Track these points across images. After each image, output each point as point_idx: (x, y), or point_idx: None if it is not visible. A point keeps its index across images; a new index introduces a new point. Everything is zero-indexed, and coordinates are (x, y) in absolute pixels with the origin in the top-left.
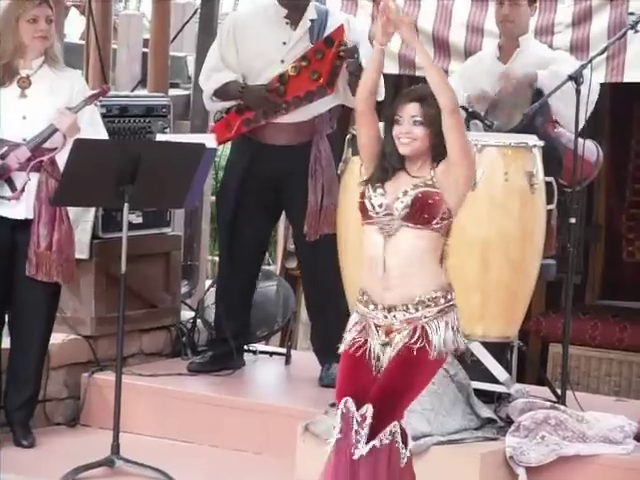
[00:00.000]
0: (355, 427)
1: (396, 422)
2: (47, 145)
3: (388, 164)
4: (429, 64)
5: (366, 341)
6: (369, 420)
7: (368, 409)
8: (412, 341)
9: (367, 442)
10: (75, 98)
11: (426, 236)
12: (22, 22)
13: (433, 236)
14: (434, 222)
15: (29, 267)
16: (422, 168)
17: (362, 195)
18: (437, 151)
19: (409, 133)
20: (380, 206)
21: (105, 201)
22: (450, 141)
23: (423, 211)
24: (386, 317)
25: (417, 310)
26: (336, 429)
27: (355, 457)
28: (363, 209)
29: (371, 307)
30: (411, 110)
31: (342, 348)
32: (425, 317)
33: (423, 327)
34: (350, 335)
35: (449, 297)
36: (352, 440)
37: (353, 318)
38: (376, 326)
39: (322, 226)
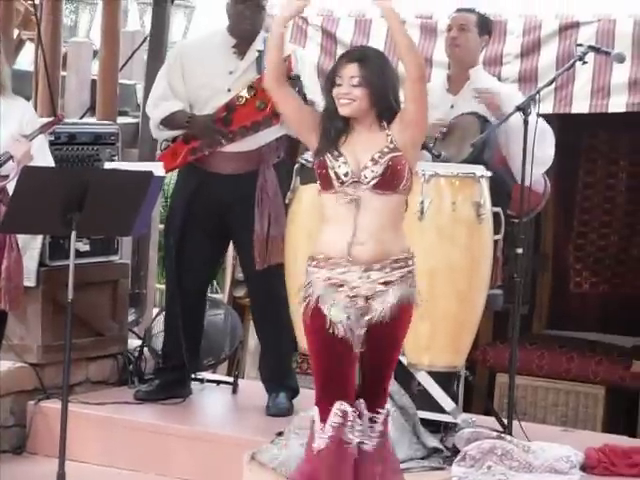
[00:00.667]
0: (357, 423)
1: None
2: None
3: (331, 125)
4: (399, 27)
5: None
6: (365, 414)
7: (362, 405)
8: (394, 317)
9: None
10: (25, 127)
11: (393, 199)
12: None
13: (399, 198)
14: (401, 186)
15: None
16: (373, 128)
17: (322, 165)
18: (379, 111)
19: (348, 94)
20: (346, 175)
21: (53, 228)
22: (412, 109)
23: (393, 178)
24: (360, 277)
25: (392, 270)
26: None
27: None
28: (326, 180)
29: (340, 270)
30: (350, 71)
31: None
32: (399, 277)
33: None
34: (335, 311)
35: (414, 259)
36: (348, 435)
37: (314, 285)
38: (350, 297)
39: (270, 255)
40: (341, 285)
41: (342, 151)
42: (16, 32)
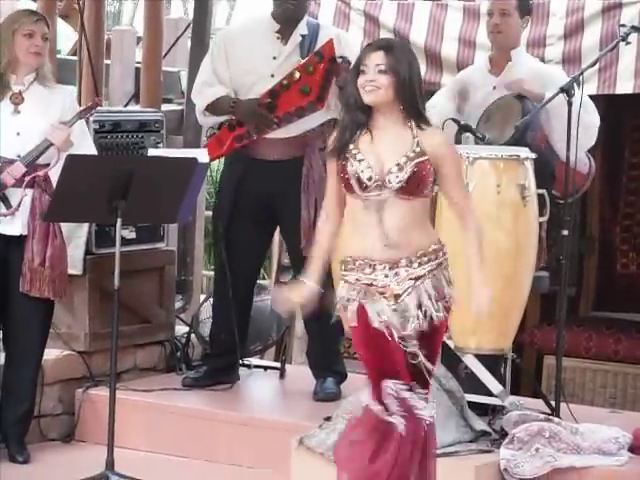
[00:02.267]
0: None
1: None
2: (41, 160)
3: (352, 119)
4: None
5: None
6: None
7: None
8: (437, 314)
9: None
10: (67, 114)
11: (417, 202)
12: (18, 36)
13: (424, 200)
14: (426, 190)
15: (23, 283)
16: (398, 124)
17: (343, 170)
18: (404, 103)
19: (373, 81)
20: (370, 179)
21: (98, 217)
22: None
23: (418, 184)
24: (387, 276)
25: (420, 264)
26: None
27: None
28: (348, 185)
29: (367, 270)
30: (376, 59)
31: (349, 317)
32: (429, 271)
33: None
34: (352, 304)
35: (445, 250)
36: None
37: (342, 290)
38: (380, 294)
39: None
40: (370, 285)
41: (365, 153)
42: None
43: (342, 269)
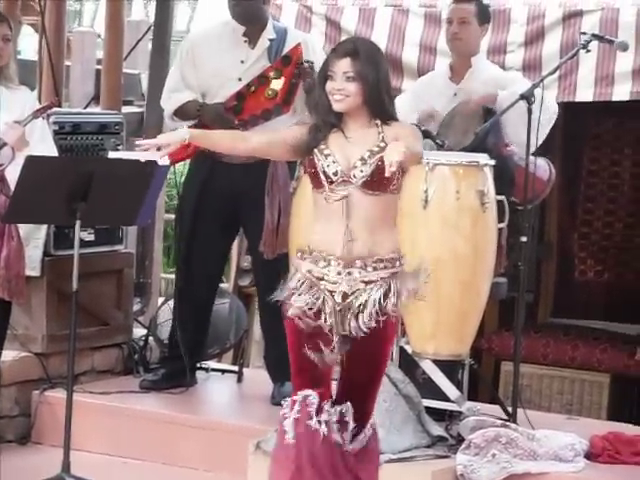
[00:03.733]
0: (335, 425)
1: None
2: None
3: (324, 122)
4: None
5: (319, 311)
6: (351, 420)
7: (348, 409)
8: (376, 321)
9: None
10: (26, 114)
11: (383, 199)
12: None
13: (390, 197)
14: (392, 186)
15: None
16: (365, 124)
17: (311, 164)
18: (373, 106)
19: (342, 90)
20: (335, 174)
21: (57, 218)
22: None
23: (383, 178)
24: (339, 274)
25: (375, 269)
26: (289, 425)
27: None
28: (316, 179)
29: (322, 264)
30: (343, 66)
31: (291, 312)
32: (381, 278)
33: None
34: (302, 298)
35: (402, 261)
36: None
37: (296, 277)
38: (330, 292)
39: (279, 244)
40: (321, 279)
41: (332, 149)
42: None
43: (297, 256)
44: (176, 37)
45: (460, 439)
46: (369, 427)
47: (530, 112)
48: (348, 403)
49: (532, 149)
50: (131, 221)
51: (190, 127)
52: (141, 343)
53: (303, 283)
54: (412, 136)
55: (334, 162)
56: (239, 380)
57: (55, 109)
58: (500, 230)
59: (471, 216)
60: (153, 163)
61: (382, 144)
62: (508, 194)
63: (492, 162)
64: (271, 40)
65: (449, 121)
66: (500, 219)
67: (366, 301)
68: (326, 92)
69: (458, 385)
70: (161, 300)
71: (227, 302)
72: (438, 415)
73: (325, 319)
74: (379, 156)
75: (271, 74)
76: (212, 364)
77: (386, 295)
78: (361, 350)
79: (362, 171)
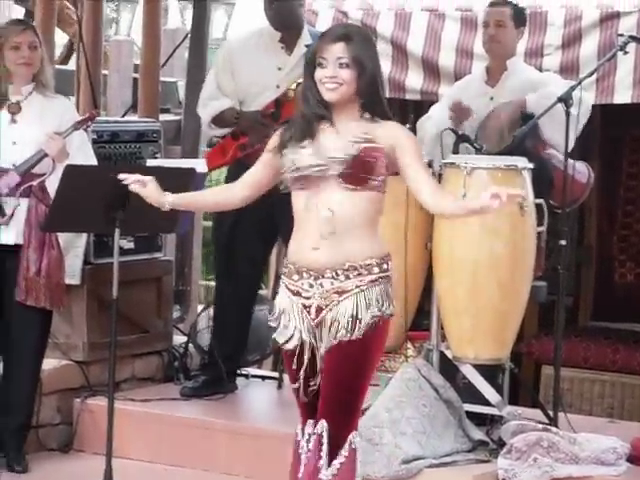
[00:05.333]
0: (309, 448)
1: (354, 432)
2: (36, 170)
3: (312, 114)
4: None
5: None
6: (325, 440)
7: (323, 427)
8: (350, 335)
9: (329, 462)
10: (64, 124)
11: (363, 197)
12: (6, 50)
13: (371, 196)
14: (371, 181)
15: (18, 292)
16: (354, 117)
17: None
18: (366, 97)
19: (335, 77)
20: (312, 166)
21: (96, 227)
22: (408, 185)
23: (361, 170)
24: (312, 286)
25: (348, 278)
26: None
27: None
28: (289, 175)
29: (295, 277)
30: (337, 51)
31: (281, 341)
32: (356, 286)
33: (356, 317)
34: (288, 329)
35: (385, 267)
36: (310, 461)
37: (278, 298)
38: (305, 307)
39: None
40: (298, 294)
41: (312, 142)
42: (65, 37)
43: (283, 269)
44: (213, 44)
45: (501, 443)
46: (346, 448)
47: (568, 115)
48: (323, 421)
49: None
50: (170, 229)
51: (227, 135)
52: (181, 350)
53: (280, 312)
54: (410, 139)
55: (310, 155)
56: (279, 386)
57: None
58: (539, 234)
59: (510, 220)
60: (191, 170)
61: (367, 136)
62: (547, 197)
63: (530, 165)
64: (307, 46)
65: (486, 125)
66: (539, 222)
67: (338, 314)
68: (315, 81)
69: (499, 389)
70: (200, 307)
71: (267, 308)
72: (479, 419)
73: (301, 340)
74: (363, 146)
75: None
76: (252, 370)
77: (366, 305)
78: (336, 363)
79: (339, 157)
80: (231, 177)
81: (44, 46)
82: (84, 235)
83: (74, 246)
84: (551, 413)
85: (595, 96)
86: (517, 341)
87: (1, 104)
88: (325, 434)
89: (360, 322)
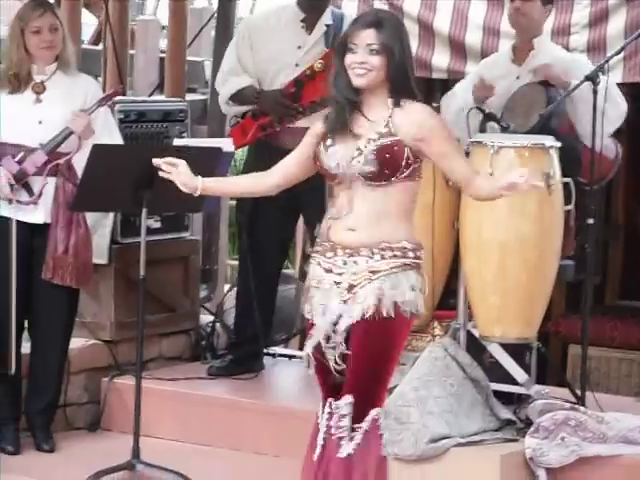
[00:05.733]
0: (331, 425)
1: (378, 409)
2: (63, 148)
3: (344, 99)
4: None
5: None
6: (348, 416)
7: (347, 402)
8: (378, 311)
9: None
10: (89, 102)
11: (391, 190)
12: (27, 34)
13: (404, 187)
14: (398, 174)
15: (45, 270)
16: (377, 106)
17: (316, 156)
18: (395, 83)
19: (365, 63)
20: (337, 167)
21: (123, 206)
22: (444, 168)
23: (383, 168)
24: (345, 263)
25: (383, 258)
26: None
27: (342, 455)
28: (322, 170)
29: (329, 254)
30: (367, 37)
31: (310, 318)
32: (390, 267)
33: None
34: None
35: (418, 254)
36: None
37: (309, 274)
38: (336, 283)
39: None
40: (329, 271)
41: (337, 139)
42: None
43: (312, 250)
44: (239, 23)
45: (529, 422)
46: (368, 421)
47: (595, 93)
48: (347, 397)
49: (598, 141)
50: (197, 208)
51: (247, 113)
52: (208, 329)
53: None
54: (436, 125)
55: (334, 154)
56: (308, 365)
57: (120, 98)
58: (567, 212)
59: (537, 199)
60: (218, 150)
61: (383, 130)
62: (575, 174)
63: (558, 144)
64: (328, 25)
65: (513, 103)
66: (567, 201)
67: (369, 292)
68: (345, 67)
69: (526, 368)
70: (227, 287)
71: (293, 288)
72: (506, 398)
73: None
74: (377, 145)
75: (329, 60)
76: (279, 350)
77: (396, 287)
78: (365, 339)
79: (359, 162)
80: (252, 157)
81: (64, 25)
82: (111, 214)
83: (101, 225)
84: (578, 392)
85: (622, 75)
86: (544, 320)
87: (25, 84)
88: (348, 409)
89: (391, 302)
